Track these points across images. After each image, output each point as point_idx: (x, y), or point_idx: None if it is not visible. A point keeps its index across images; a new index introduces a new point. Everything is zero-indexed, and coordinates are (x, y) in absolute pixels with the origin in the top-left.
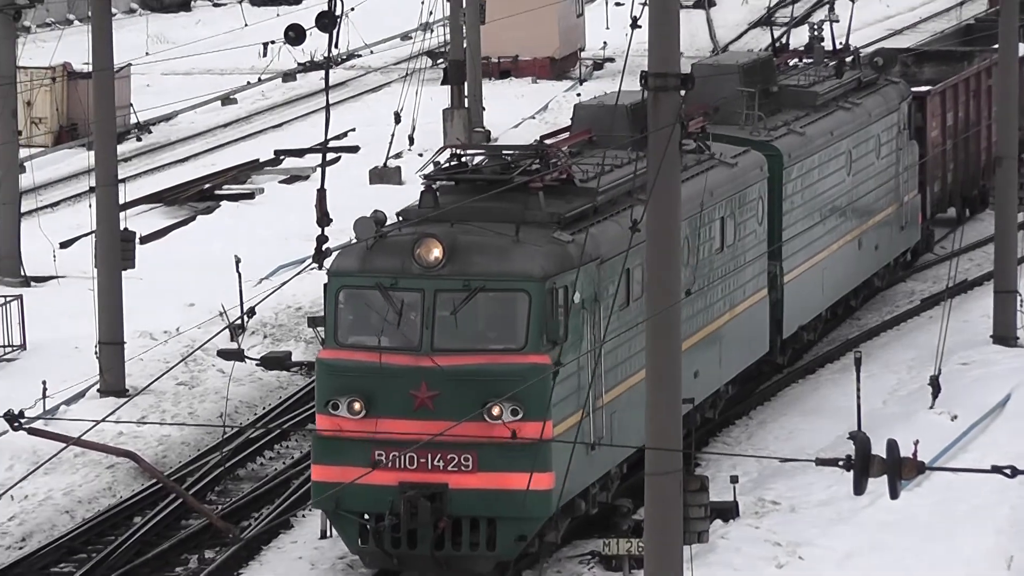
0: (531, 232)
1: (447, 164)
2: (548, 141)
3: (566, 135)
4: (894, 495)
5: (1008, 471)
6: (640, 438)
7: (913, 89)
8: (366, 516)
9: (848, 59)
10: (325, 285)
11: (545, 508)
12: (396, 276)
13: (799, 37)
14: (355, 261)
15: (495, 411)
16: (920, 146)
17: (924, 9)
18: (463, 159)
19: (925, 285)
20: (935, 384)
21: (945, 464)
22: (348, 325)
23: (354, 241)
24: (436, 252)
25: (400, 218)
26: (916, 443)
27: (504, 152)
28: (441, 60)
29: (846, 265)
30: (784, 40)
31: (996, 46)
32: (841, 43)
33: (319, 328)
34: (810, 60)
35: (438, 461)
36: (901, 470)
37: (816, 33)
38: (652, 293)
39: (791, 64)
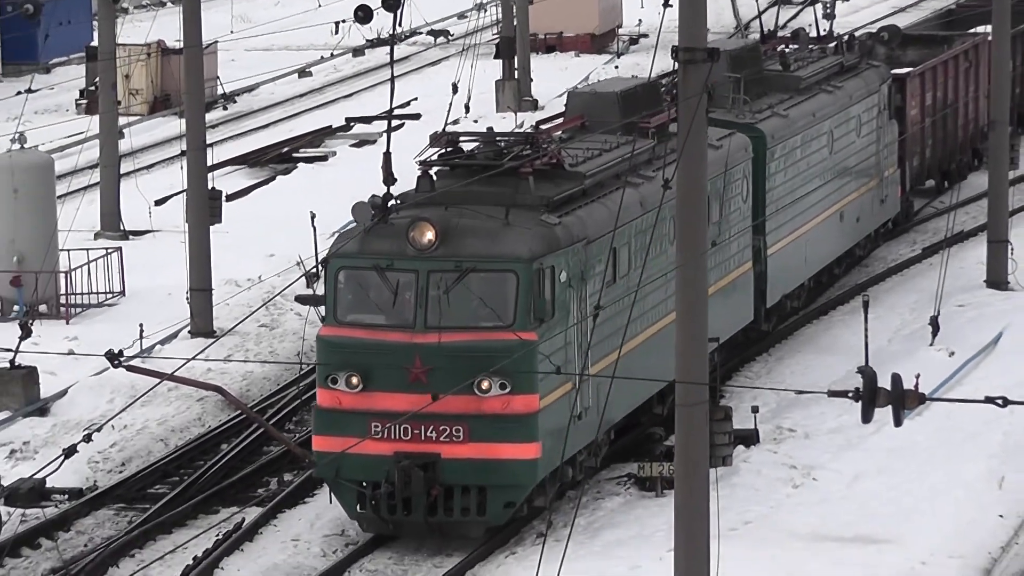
0: (520, 215)
1: (444, 150)
2: (544, 127)
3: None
4: (898, 423)
5: (1000, 401)
6: (627, 405)
7: (894, 71)
8: (364, 484)
9: (831, 45)
10: (325, 266)
11: (531, 476)
12: (392, 258)
13: (810, 16)
14: (354, 244)
15: (485, 385)
16: (900, 124)
17: None
18: (459, 145)
19: (925, 236)
20: (935, 324)
21: (943, 395)
22: (347, 304)
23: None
24: (429, 235)
25: (398, 202)
26: (917, 377)
27: (497, 139)
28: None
29: (828, 237)
30: (773, 27)
31: (973, 30)
32: (825, 30)
33: (321, 307)
34: (795, 47)
35: (431, 432)
36: (904, 401)
37: (828, 10)
38: (683, 241)
39: (778, 50)
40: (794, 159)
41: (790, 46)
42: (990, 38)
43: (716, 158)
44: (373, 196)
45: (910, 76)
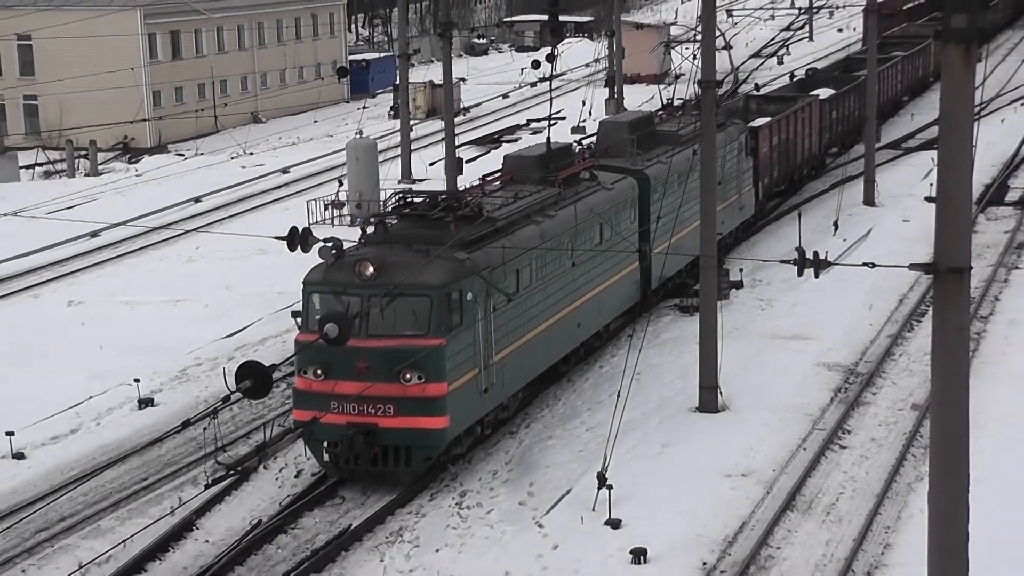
0: (440, 252)
1: (397, 202)
2: (488, 177)
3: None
4: (816, 276)
5: (870, 264)
6: (522, 381)
7: (751, 123)
8: (326, 444)
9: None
10: (302, 290)
11: (442, 440)
12: (345, 286)
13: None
14: (320, 275)
15: (407, 376)
16: (755, 158)
17: (835, 46)
18: (408, 199)
19: (831, 179)
20: (836, 225)
21: (840, 262)
22: (314, 317)
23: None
24: (370, 269)
25: (361, 242)
26: (827, 252)
27: (439, 195)
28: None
29: (698, 237)
30: (671, 99)
31: (812, 93)
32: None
33: (298, 319)
34: (681, 113)
35: (371, 409)
36: (819, 265)
37: (780, 63)
38: (704, 183)
39: (670, 115)
40: (671, 191)
41: (682, 112)
42: (821, 98)
43: (609, 197)
44: (334, 239)
45: (761, 127)
